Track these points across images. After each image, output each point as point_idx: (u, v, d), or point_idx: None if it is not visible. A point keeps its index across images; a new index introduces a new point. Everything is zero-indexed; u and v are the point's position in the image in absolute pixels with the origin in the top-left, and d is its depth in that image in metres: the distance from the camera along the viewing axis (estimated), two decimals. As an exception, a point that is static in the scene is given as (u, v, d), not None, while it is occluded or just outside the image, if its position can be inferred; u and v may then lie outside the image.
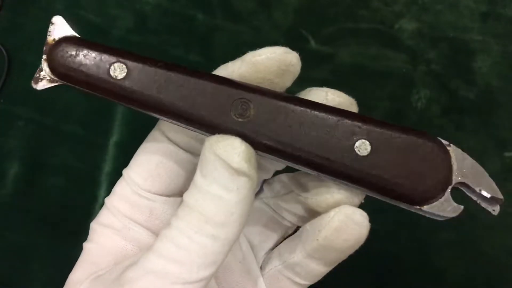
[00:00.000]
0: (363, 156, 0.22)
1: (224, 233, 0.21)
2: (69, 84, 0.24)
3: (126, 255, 0.26)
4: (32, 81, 0.24)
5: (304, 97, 0.24)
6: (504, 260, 0.41)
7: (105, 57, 0.23)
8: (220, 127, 0.22)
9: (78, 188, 0.43)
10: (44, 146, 0.44)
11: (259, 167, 0.23)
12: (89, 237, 0.27)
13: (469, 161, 0.22)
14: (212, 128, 0.22)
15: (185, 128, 0.24)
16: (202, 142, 0.26)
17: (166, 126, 0.26)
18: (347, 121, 0.22)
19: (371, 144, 0.22)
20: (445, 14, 0.47)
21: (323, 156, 0.22)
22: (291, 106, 0.22)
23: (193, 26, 0.47)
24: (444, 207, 0.22)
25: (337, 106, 0.23)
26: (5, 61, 0.45)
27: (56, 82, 0.24)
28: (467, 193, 0.22)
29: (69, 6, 0.47)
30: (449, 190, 0.22)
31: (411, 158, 0.22)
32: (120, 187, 0.26)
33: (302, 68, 0.23)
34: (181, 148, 0.26)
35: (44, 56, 0.24)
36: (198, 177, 0.22)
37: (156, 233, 0.26)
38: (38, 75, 0.24)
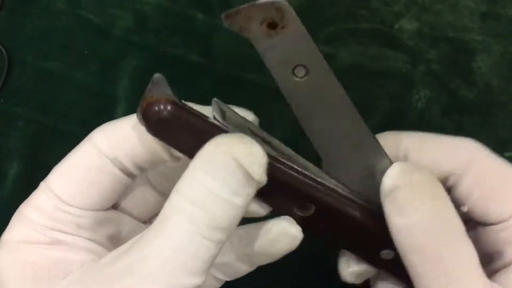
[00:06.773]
0: (386, 260, 0.24)
1: (226, 237, 0.20)
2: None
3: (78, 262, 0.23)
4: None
5: None
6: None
7: (198, 136, 0.21)
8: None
9: (78, 188, 0.43)
10: (44, 146, 0.44)
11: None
12: (6, 257, 0.23)
13: None
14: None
15: None
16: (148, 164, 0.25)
17: (101, 139, 0.25)
18: (379, 233, 0.23)
19: (395, 252, 0.23)
20: (445, 14, 0.47)
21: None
22: (347, 209, 0.24)
23: (193, 26, 0.47)
24: None
25: None
26: (5, 61, 0.45)
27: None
28: None
29: (69, 6, 0.47)
30: None
31: None
32: (40, 200, 0.24)
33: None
34: (115, 165, 0.24)
35: (140, 115, 0.22)
36: (205, 178, 0.20)
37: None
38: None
